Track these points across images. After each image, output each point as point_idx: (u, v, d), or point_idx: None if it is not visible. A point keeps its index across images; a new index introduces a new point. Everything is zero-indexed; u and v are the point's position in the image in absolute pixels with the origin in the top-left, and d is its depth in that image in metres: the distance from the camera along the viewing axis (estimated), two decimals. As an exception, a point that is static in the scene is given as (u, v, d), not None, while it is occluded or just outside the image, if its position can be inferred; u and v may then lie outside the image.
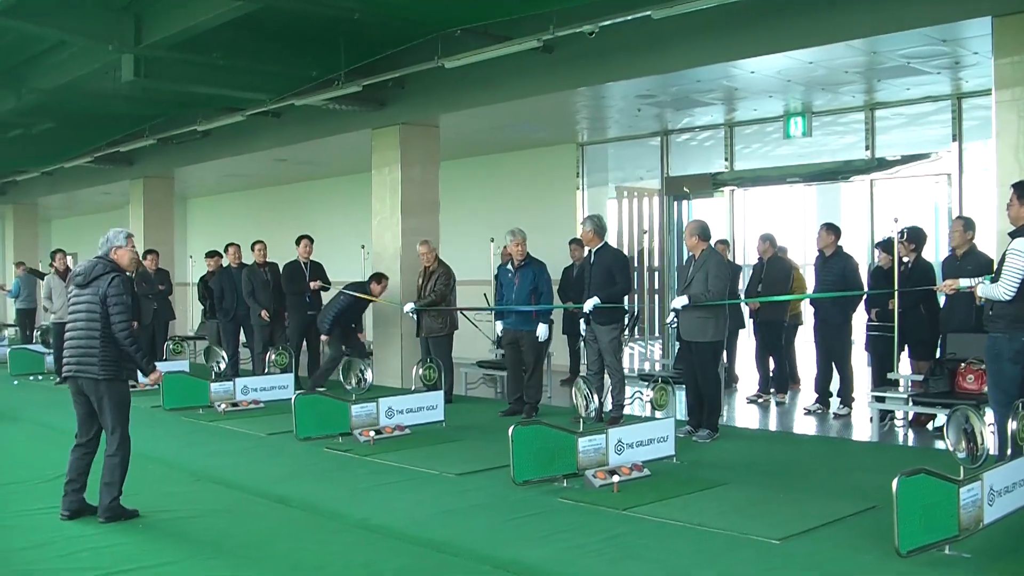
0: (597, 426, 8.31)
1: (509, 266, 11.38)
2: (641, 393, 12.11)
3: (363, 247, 15.83)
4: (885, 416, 10.32)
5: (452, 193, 15.72)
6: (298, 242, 14.27)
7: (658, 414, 9.34)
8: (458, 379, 13.21)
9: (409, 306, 12.26)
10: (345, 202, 20.64)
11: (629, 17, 9.53)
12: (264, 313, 14.05)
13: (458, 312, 12.75)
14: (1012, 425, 6.56)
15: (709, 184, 15.14)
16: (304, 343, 14.19)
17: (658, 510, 6.89)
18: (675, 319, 9.80)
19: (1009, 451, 6.54)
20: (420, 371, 10.83)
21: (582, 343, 14.36)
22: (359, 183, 18.56)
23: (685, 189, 15.40)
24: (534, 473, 7.64)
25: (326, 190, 21.69)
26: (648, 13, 9.28)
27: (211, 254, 15.89)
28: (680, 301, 9.68)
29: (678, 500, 7.17)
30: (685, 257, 13.19)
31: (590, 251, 10.64)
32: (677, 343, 13.65)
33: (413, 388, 10.76)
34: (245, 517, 7.07)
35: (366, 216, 15.59)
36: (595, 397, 8.44)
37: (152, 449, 9.63)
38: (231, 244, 14.86)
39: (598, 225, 10.62)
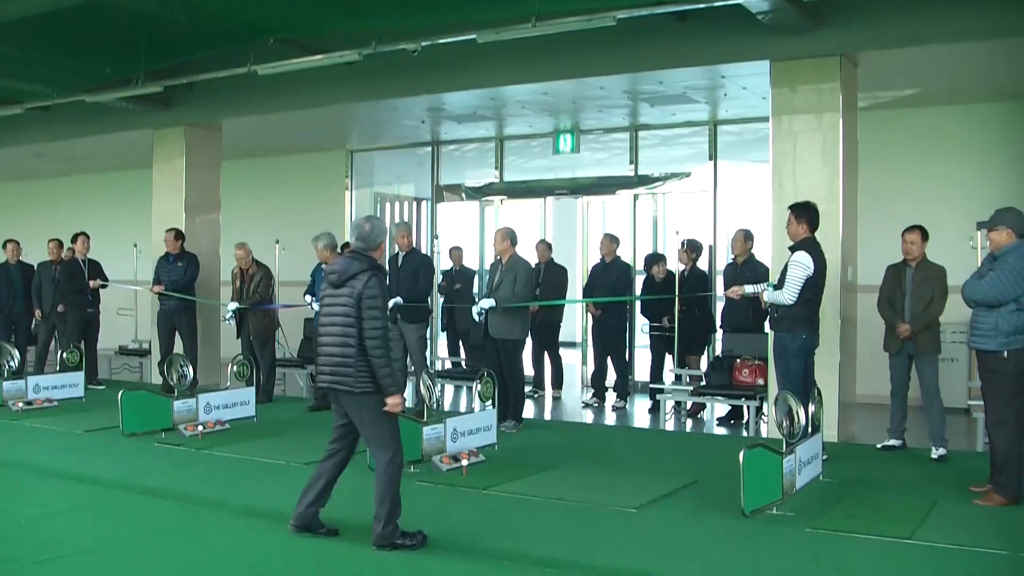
0: (437, 416, 8.96)
1: (324, 266, 11.83)
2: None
3: (135, 245, 15.74)
4: (671, 406, 11.51)
5: (231, 193, 15.72)
6: (74, 239, 14.09)
7: (477, 405, 9.93)
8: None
9: (232, 305, 12.33)
10: (113, 199, 19.77)
11: (454, 39, 10.08)
12: (38, 313, 13.91)
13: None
14: (811, 408, 7.77)
15: (477, 193, 16.01)
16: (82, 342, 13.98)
17: (513, 488, 7.68)
18: (483, 316, 10.53)
19: (810, 430, 7.74)
20: (234, 368, 11.10)
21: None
22: (128, 180, 18.19)
23: (460, 196, 16.23)
24: (386, 460, 8.26)
25: (89, 186, 20.57)
26: (474, 36, 9.95)
27: None
28: (487, 302, 10.47)
29: (525, 481, 7.96)
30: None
31: (400, 253, 11.26)
32: (460, 339, 14.48)
33: (228, 385, 11.03)
34: (127, 509, 7.15)
35: (138, 214, 15.45)
36: (436, 388, 9.11)
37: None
38: (9, 240, 14.41)
39: (410, 230, 11.37)
